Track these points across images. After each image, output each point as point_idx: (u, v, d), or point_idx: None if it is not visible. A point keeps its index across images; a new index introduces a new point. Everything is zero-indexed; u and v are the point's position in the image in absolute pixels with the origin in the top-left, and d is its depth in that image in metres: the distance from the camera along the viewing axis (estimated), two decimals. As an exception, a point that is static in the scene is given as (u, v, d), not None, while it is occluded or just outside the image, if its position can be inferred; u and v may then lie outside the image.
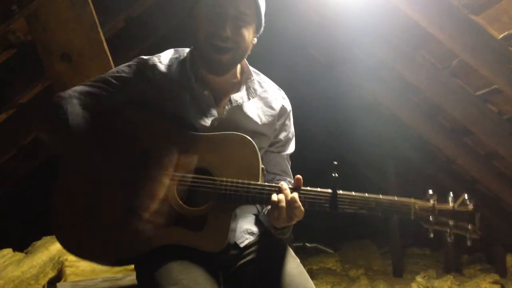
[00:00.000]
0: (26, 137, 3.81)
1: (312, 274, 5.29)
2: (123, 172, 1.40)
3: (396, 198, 1.38)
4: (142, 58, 1.55)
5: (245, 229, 1.54)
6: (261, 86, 1.60)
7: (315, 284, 1.46)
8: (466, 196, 1.38)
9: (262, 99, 1.58)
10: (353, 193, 1.37)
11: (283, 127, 1.63)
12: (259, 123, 1.54)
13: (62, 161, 1.46)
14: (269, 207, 1.39)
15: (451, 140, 3.99)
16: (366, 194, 1.37)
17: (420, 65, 3.37)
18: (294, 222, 1.40)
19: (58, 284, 2.19)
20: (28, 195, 5.02)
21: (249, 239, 1.53)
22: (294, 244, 5.82)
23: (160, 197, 1.37)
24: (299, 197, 1.35)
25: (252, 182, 1.38)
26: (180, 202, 1.39)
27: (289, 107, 1.64)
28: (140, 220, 1.36)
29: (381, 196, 1.38)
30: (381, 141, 5.34)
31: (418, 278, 4.56)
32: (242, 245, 1.51)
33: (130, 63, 1.55)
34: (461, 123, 3.55)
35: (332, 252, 6.31)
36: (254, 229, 1.56)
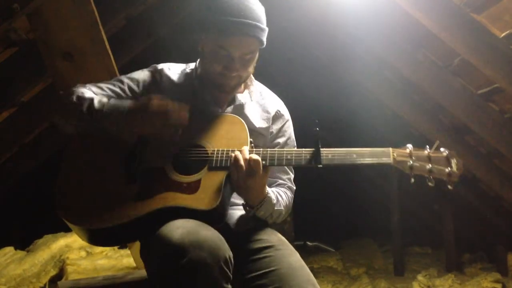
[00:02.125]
0: (28, 135, 3.81)
1: (313, 273, 5.25)
2: (123, 150, 1.53)
3: (375, 148, 1.50)
4: (154, 65, 1.71)
5: (243, 220, 1.61)
6: (261, 95, 1.73)
7: (316, 283, 1.47)
8: (439, 143, 1.50)
9: (260, 106, 1.71)
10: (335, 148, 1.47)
11: (281, 132, 1.72)
12: (256, 125, 1.65)
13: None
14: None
15: (452, 139, 3.98)
16: (347, 148, 1.47)
17: (422, 63, 3.37)
18: (255, 183, 1.44)
19: (59, 282, 2.19)
20: (29, 193, 5.04)
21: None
22: (295, 243, 5.81)
23: (157, 166, 1.49)
24: (281, 153, 1.47)
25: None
26: (176, 172, 1.49)
27: (286, 114, 1.75)
28: (139, 187, 1.46)
29: (361, 148, 1.48)
30: (382, 140, 5.33)
31: (419, 277, 4.56)
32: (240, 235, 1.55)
33: (144, 69, 1.70)
34: (462, 122, 3.54)
35: (333, 250, 6.31)
36: (252, 224, 1.60)
